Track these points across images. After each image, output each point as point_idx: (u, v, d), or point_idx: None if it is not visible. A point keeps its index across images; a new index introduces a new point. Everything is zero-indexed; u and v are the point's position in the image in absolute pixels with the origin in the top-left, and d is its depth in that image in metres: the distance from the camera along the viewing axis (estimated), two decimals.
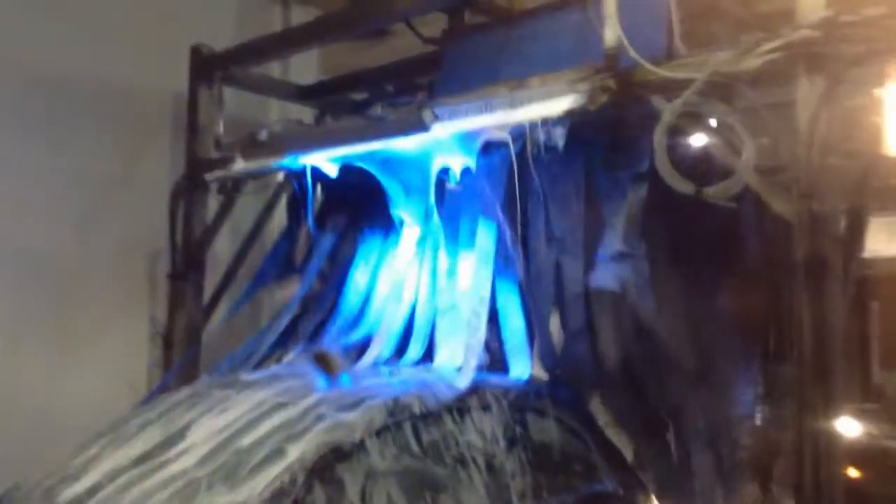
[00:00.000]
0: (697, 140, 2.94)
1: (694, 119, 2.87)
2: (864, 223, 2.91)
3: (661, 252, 3.31)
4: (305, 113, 5.46)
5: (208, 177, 4.71)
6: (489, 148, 3.48)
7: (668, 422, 3.42)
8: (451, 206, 3.74)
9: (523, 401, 3.23)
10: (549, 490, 3.07)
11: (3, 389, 4.33)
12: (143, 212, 4.97)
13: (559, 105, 3.14)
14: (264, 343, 4.15)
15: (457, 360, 3.48)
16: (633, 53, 2.92)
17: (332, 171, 4.02)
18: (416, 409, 2.85)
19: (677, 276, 3.37)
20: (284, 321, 4.23)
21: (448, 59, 4.08)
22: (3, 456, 3.94)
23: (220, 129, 4.80)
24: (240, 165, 4.51)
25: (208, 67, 4.84)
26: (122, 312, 4.99)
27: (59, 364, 4.61)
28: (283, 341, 4.16)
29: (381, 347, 3.73)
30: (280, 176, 4.68)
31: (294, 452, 2.52)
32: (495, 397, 3.13)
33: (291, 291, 4.42)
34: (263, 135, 4.37)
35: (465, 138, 3.51)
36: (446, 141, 3.53)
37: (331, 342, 3.88)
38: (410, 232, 3.91)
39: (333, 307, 4.16)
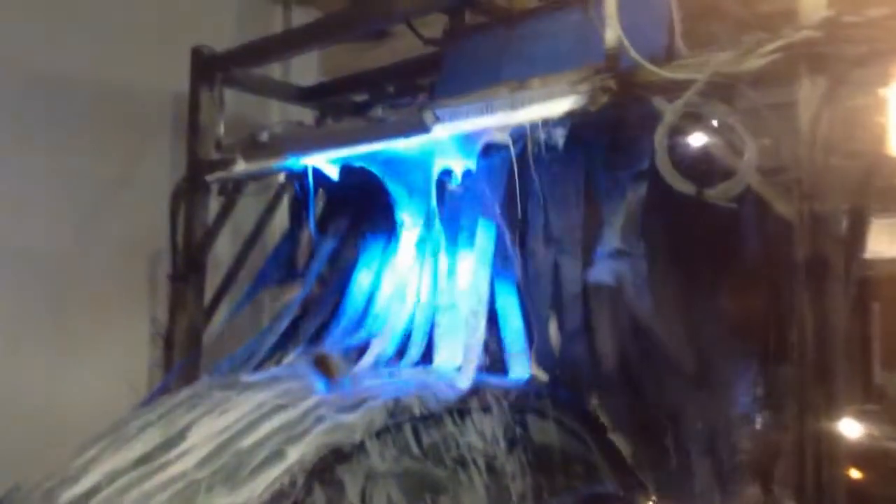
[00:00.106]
0: (698, 140, 2.93)
1: (695, 120, 2.87)
2: (866, 224, 2.90)
3: (660, 252, 3.31)
4: (306, 114, 5.45)
5: (209, 178, 4.70)
6: (489, 149, 3.47)
7: (667, 423, 3.41)
8: (452, 206, 3.73)
9: (524, 402, 3.22)
10: (549, 491, 3.07)
11: (4, 390, 4.33)
12: (144, 213, 4.96)
13: (560, 106, 3.13)
14: (265, 344, 4.14)
15: (456, 360, 3.47)
16: (633, 54, 2.91)
17: (333, 173, 4.01)
18: (417, 411, 2.84)
19: (676, 276, 3.37)
20: (285, 323, 4.22)
21: (448, 59, 4.07)
22: (4, 457, 3.92)
23: (221, 130, 4.79)
24: (240, 167, 4.50)
25: (209, 68, 4.83)
26: (122, 313, 4.99)
27: (60, 365, 4.60)
28: (284, 343, 4.15)
29: (380, 348, 3.73)
30: (281, 177, 4.67)
31: (294, 454, 2.52)
32: (496, 398, 3.12)
33: (293, 295, 4.42)
34: (264, 136, 4.36)
35: (466, 141, 3.50)
36: (447, 143, 3.52)
37: (332, 345, 3.87)
38: (411, 233, 3.90)
39: (335, 310, 4.15)
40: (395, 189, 3.91)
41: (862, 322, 3.72)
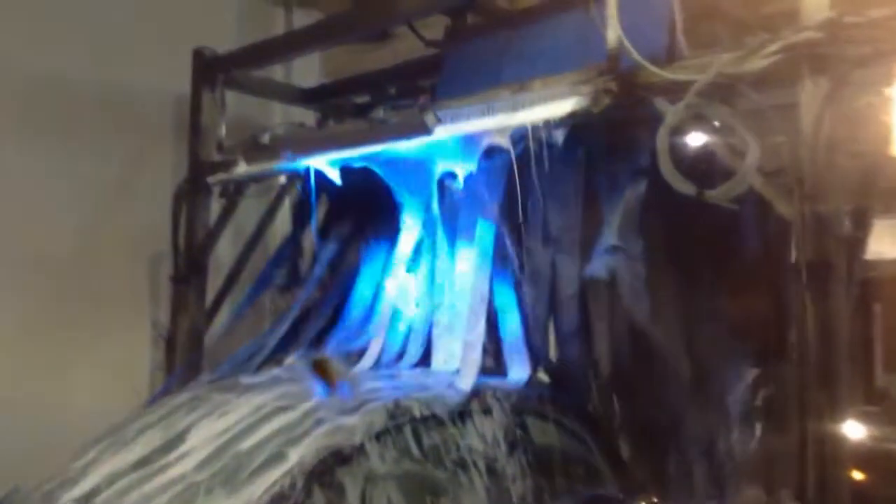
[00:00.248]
0: (700, 141, 2.92)
1: (697, 120, 2.86)
2: (868, 225, 2.89)
3: (659, 253, 3.30)
4: (307, 116, 5.44)
5: (210, 180, 4.70)
6: (490, 151, 3.46)
7: (664, 427, 3.40)
8: (452, 205, 3.73)
9: (524, 404, 3.21)
10: (550, 494, 3.05)
11: (5, 391, 4.32)
12: (145, 214, 4.97)
13: (561, 107, 3.13)
14: (265, 346, 4.14)
15: (455, 359, 3.47)
16: (635, 55, 2.91)
17: (335, 176, 4.01)
18: (417, 413, 2.83)
19: (675, 278, 3.36)
20: (286, 325, 4.22)
21: (449, 60, 4.06)
22: (5, 458, 3.91)
23: (223, 131, 4.79)
24: (242, 168, 4.50)
25: (211, 70, 4.83)
26: (124, 315, 4.98)
27: (61, 366, 4.59)
28: (285, 345, 4.15)
29: (379, 349, 3.72)
30: (282, 179, 4.67)
31: (294, 456, 2.50)
32: (496, 400, 3.11)
33: (294, 297, 4.42)
34: (266, 138, 4.36)
35: (467, 143, 3.50)
36: (448, 144, 3.52)
37: (334, 348, 3.87)
38: (410, 233, 3.90)
39: (337, 314, 4.15)
40: (396, 188, 3.90)
41: (863, 323, 3.72)
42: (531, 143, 3.18)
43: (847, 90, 2.62)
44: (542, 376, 3.46)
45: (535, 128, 3.17)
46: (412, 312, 3.81)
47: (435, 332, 3.66)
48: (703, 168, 2.90)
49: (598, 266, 3.28)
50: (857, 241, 2.82)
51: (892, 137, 2.79)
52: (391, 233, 4.04)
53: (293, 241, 4.73)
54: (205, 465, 2.63)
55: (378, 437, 2.67)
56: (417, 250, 3.89)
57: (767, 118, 2.78)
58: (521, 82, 3.33)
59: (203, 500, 2.47)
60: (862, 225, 2.86)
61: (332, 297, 4.25)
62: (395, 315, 3.87)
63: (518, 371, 3.42)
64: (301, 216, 4.65)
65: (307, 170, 4.10)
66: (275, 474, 2.45)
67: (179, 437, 2.87)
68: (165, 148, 5.13)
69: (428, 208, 3.84)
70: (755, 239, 3.47)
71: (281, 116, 5.57)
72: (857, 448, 2.75)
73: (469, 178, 3.61)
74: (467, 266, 3.60)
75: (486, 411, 3.05)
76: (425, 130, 3.50)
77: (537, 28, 3.67)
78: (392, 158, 3.80)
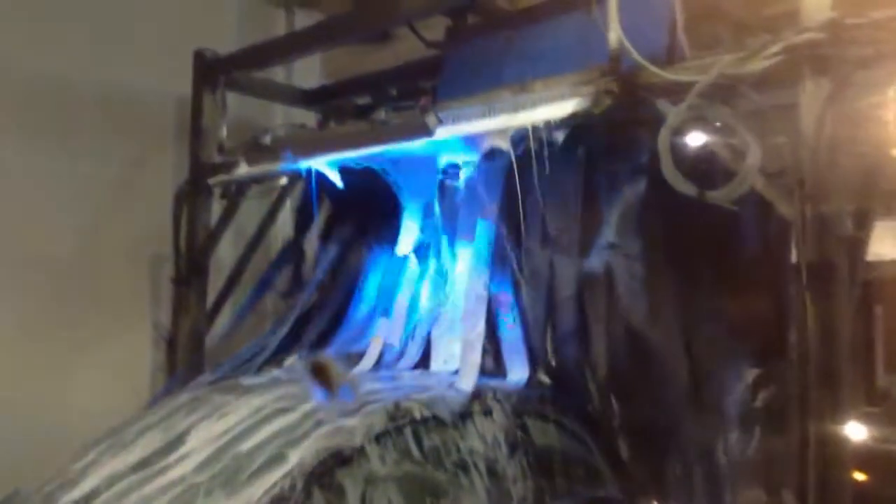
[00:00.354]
0: (701, 142, 2.92)
1: (698, 121, 2.85)
2: (870, 226, 2.88)
3: (657, 252, 3.29)
4: (308, 117, 5.44)
5: (211, 181, 4.70)
6: (491, 153, 3.46)
7: (662, 430, 3.39)
8: (452, 205, 3.72)
9: (525, 405, 3.20)
10: (550, 495, 3.05)
11: (6, 393, 4.32)
12: (146, 216, 4.95)
13: (562, 108, 3.13)
14: (267, 347, 4.14)
15: (455, 360, 3.46)
16: (636, 56, 2.90)
17: (337, 179, 4.00)
18: (417, 414, 2.83)
19: (673, 279, 3.35)
20: (287, 326, 4.21)
21: (450, 60, 4.06)
22: (7, 459, 3.92)
23: (224, 133, 4.78)
24: (243, 170, 4.49)
25: (211, 72, 4.83)
26: (125, 316, 4.98)
27: (62, 368, 4.59)
28: (287, 346, 4.14)
29: (379, 351, 3.72)
30: (283, 180, 4.67)
31: (293, 458, 2.50)
32: (497, 401, 3.11)
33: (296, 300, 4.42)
34: (267, 139, 4.36)
35: (467, 146, 3.50)
36: (449, 145, 3.52)
37: (336, 350, 3.86)
38: (411, 233, 3.89)
39: (340, 316, 4.14)
40: (397, 188, 3.90)
41: (865, 325, 3.71)
42: (531, 144, 3.18)
43: (849, 91, 2.61)
44: (543, 377, 3.44)
45: (535, 128, 3.16)
46: (409, 309, 3.80)
47: (434, 332, 3.66)
48: (703, 168, 2.90)
49: (595, 262, 3.27)
50: (858, 242, 2.81)
51: (893, 138, 2.78)
52: (393, 235, 4.04)
53: (295, 244, 4.72)
54: (204, 467, 2.63)
55: (378, 438, 2.67)
56: (417, 251, 3.88)
57: (769, 119, 2.78)
58: (521, 83, 3.32)
59: (203, 502, 2.47)
60: (863, 226, 2.85)
61: (334, 300, 4.25)
62: (392, 311, 3.87)
63: (518, 372, 3.41)
64: (303, 219, 4.65)
65: (308, 171, 4.09)
66: (274, 476, 2.45)
67: (179, 439, 2.87)
68: (166, 149, 5.12)
69: (428, 208, 3.84)
70: (755, 239, 3.45)
71: (282, 118, 5.57)
72: (859, 449, 2.74)
73: (469, 179, 3.61)
74: (468, 265, 3.59)
75: (487, 412, 3.05)
76: (426, 132, 3.50)
77: (538, 28, 3.66)
78: (393, 159, 3.80)
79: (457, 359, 3.46)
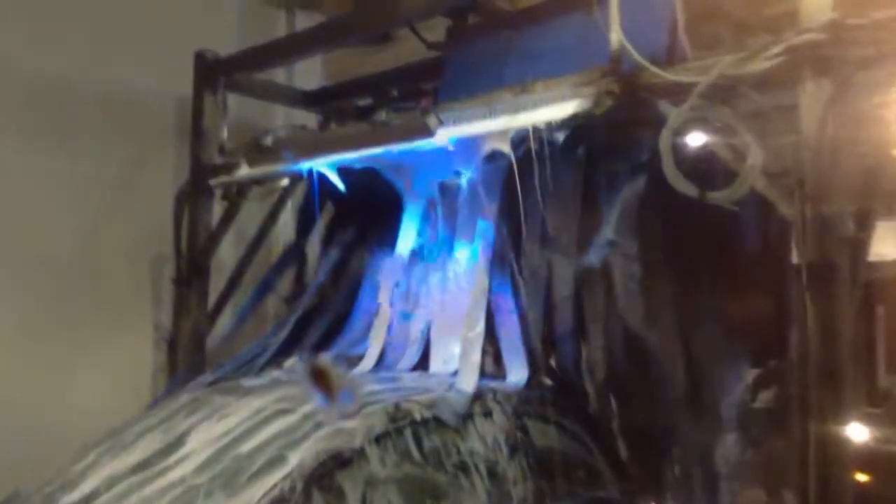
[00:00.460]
0: (703, 143, 2.91)
1: (699, 122, 2.85)
2: (871, 226, 2.88)
3: (656, 252, 3.28)
4: (309, 118, 5.44)
5: (212, 182, 4.70)
6: (491, 154, 3.46)
7: (662, 431, 3.38)
8: (452, 205, 3.72)
9: (525, 406, 3.19)
10: (551, 496, 3.04)
11: (7, 394, 4.31)
12: (147, 217, 4.96)
13: (563, 109, 3.13)
14: (268, 348, 4.13)
15: (454, 360, 3.46)
16: (637, 57, 2.90)
17: (339, 182, 4.00)
18: (417, 416, 2.82)
19: (672, 280, 3.33)
20: (289, 328, 4.21)
21: (451, 62, 4.06)
22: (8, 461, 3.92)
23: (225, 134, 4.78)
24: (244, 171, 4.50)
25: (212, 73, 4.83)
26: (126, 317, 4.98)
27: (63, 369, 4.59)
28: (288, 347, 4.14)
29: (379, 352, 3.71)
30: (285, 181, 4.66)
31: (293, 460, 2.50)
32: (497, 403, 3.10)
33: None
34: (268, 140, 4.36)
35: (467, 148, 3.49)
36: (449, 146, 3.51)
37: (338, 352, 3.86)
38: (411, 233, 3.89)
39: (341, 319, 4.14)
40: (398, 186, 3.89)
41: (866, 325, 3.70)
42: (532, 144, 3.17)
43: (850, 92, 2.61)
44: (543, 378, 3.44)
45: (536, 129, 3.16)
46: (412, 313, 3.80)
47: (433, 333, 3.65)
48: (704, 169, 2.89)
49: (594, 260, 3.27)
50: (860, 243, 2.81)
51: (895, 139, 2.78)
52: (395, 238, 4.03)
53: (297, 247, 4.72)
54: (204, 469, 2.62)
55: (378, 440, 2.66)
56: (417, 251, 3.88)
57: (771, 119, 2.77)
58: (522, 84, 3.32)
59: None
60: (865, 226, 2.84)
61: (336, 303, 4.25)
62: (392, 311, 3.86)
63: (517, 373, 3.39)
64: (305, 222, 4.64)
65: (310, 173, 4.09)
66: (274, 478, 2.44)
67: (179, 441, 2.87)
68: (167, 150, 5.12)
69: (429, 208, 3.83)
70: (755, 239, 3.44)
71: (282, 119, 5.57)
72: (860, 450, 2.73)
73: (469, 179, 3.61)
74: (467, 266, 3.59)
75: (487, 414, 3.04)
76: (428, 133, 3.50)
77: (539, 28, 3.66)
78: (394, 159, 3.80)
79: (456, 359, 3.45)
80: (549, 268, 3.43)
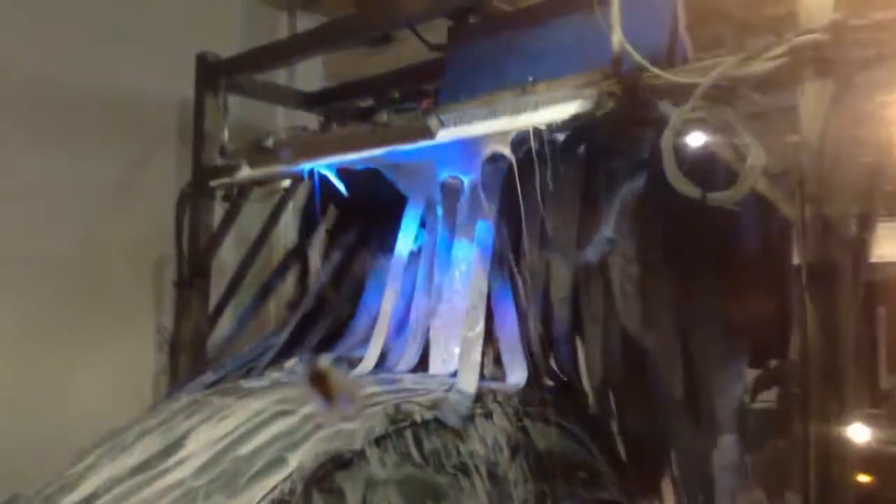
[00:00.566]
0: (704, 144, 2.91)
1: (701, 123, 2.84)
2: (873, 227, 2.87)
3: (654, 253, 3.26)
4: (310, 120, 5.44)
5: (214, 184, 4.70)
6: (493, 157, 3.45)
7: (660, 433, 3.36)
8: (453, 204, 3.71)
9: (525, 407, 3.19)
10: (552, 498, 3.04)
11: (9, 395, 4.31)
12: (149, 219, 4.96)
13: (565, 110, 3.12)
14: (269, 350, 4.13)
15: (453, 361, 3.45)
16: (639, 59, 2.90)
17: (341, 186, 3.99)
18: (418, 417, 2.81)
19: (670, 281, 3.32)
20: (290, 329, 4.20)
21: (452, 62, 4.05)
22: (9, 462, 3.93)
23: (226, 136, 4.78)
24: (245, 172, 4.50)
25: (213, 74, 4.84)
26: (128, 319, 4.98)
27: (65, 371, 4.59)
28: (289, 350, 4.13)
29: (378, 353, 3.71)
30: (286, 183, 4.66)
31: (293, 461, 2.49)
32: (498, 404, 3.10)
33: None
34: (269, 142, 4.36)
35: (468, 150, 3.49)
36: (450, 147, 3.51)
37: (341, 354, 3.85)
38: (411, 232, 3.89)
39: (345, 321, 4.15)
40: (399, 185, 3.89)
41: (867, 326, 3.70)
42: (532, 144, 3.17)
43: (852, 92, 2.60)
44: (543, 379, 3.43)
45: (536, 130, 3.16)
46: (411, 314, 3.79)
47: (433, 333, 3.65)
48: (705, 169, 2.88)
49: (591, 254, 3.26)
50: (861, 244, 2.80)
51: None
52: (397, 239, 4.03)
53: (299, 251, 4.71)
54: (204, 471, 2.61)
55: (378, 441, 2.65)
56: (417, 251, 3.87)
57: (773, 120, 2.77)
58: (523, 85, 3.31)
59: None
60: (866, 227, 2.84)
61: (339, 304, 4.24)
62: (392, 311, 3.86)
63: (517, 374, 3.39)
64: (307, 225, 4.63)
65: (311, 174, 4.08)
66: (274, 479, 2.43)
67: (178, 442, 2.86)
68: (168, 151, 5.12)
69: (429, 207, 3.83)
70: (756, 240, 3.43)
71: (284, 120, 5.57)
72: (862, 451, 2.72)
73: (470, 179, 3.60)
74: (467, 265, 3.58)
75: (488, 415, 3.03)
76: (429, 134, 3.49)
77: (540, 28, 3.66)
78: (396, 160, 3.79)
79: (455, 359, 3.44)
80: (547, 268, 3.42)
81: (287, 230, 5.09)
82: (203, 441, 2.80)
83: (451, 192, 3.72)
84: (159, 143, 5.11)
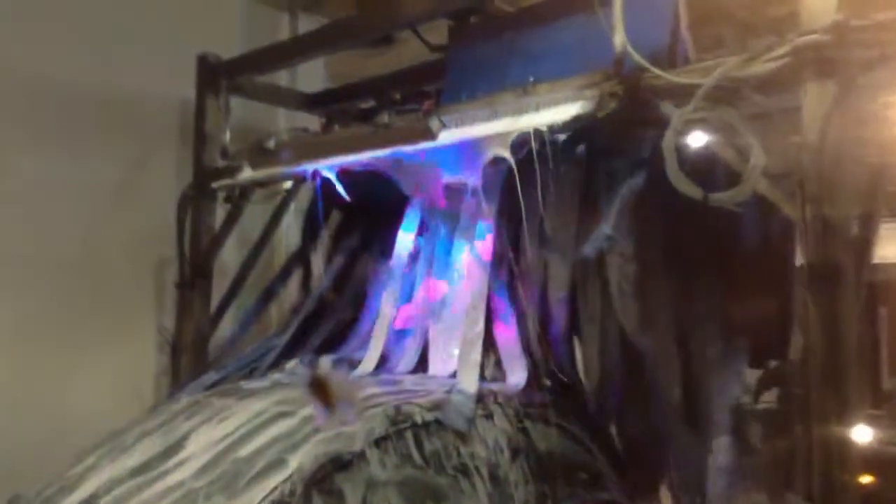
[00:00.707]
0: (705, 144, 2.90)
1: (703, 124, 2.84)
2: (876, 228, 2.87)
3: (653, 253, 3.25)
4: (312, 121, 5.44)
5: (215, 185, 4.70)
6: (494, 159, 3.45)
7: (659, 435, 3.35)
8: (453, 204, 3.71)
9: (526, 408, 3.18)
10: (553, 499, 3.03)
11: (10, 396, 4.32)
12: (150, 220, 4.97)
13: (566, 111, 3.12)
14: (270, 352, 4.13)
15: (453, 361, 3.44)
16: (640, 60, 2.89)
17: (342, 190, 3.99)
18: (418, 418, 2.80)
19: (669, 283, 3.31)
20: (292, 330, 4.20)
21: (454, 63, 4.05)
22: (10, 464, 3.93)
23: (227, 137, 4.79)
24: (247, 174, 4.51)
25: (215, 76, 4.84)
26: (129, 320, 4.98)
27: (66, 372, 4.59)
28: (291, 351, 4.13)
29: (378, 354, 3.70)
30: (288, 184, 4.66)
31: (293, 463, 2.48)
32: (498, 405, 3.09)
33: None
34: (271, 143, 4.36)
35: (469, 152, 3.48)
36: (450, 148, 3.50)
37: (340, 356, 3.85)
38: (412, 232, 3.88)
39: (349, 325, 4.14)
40: (399, 184, 3.89)
41: (869, 327, 3.70)
42: (533, 144, 3.16)
43: (854, 93, 2.60)
44: (543, 380, 3.42)
45: (538, 132, 3.15)
46: (410, 314, 3.79)
47: (432, 333, 3.64)
48: (706, 170, 2.88)
49: (589, 250, 3.25)
50: (864, 245, 2.80)
51: None
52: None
53: (302, 255, 4.71)
54: (204, 472, 2.60)
55: (378, 442, 2.64)
56: (418, 251, 3.87)
57: (776, 121, 2.76)
58: (525, 86, 3.31)
59: None
60: (869, 228, 2.83)
61: (341, 307, 4.24)
62: (392, 312, 3.85)
63: (517, 374, 3.38)
64: (310, 230, 4.63)
65: (314, 175, 4.08)
66: (274, 481, 2.43)
67: (178, 444, 2.85)
68: (169, 152, 5.12)
69: (430, 207, 3.82)
70: (757, 241, 3.43)
71: (285, 121, 5.57)
72: (864, 452, 2.72)
73: (471, 180, 3.59)
74: (466, 266, 3.58)
75: (489, 416, 3.02)
76: (430, 135, 3.50)
77: (541, 28, 3.66)
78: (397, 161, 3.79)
79: (455, 360, 3.43)
80: (545, 268, 3.42)
81: (289, 231, 5.08)
82: (203, 442, 2.80)
83: (453, 194, 3.71)
84: (160, 144, 5.12)
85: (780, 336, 3.31)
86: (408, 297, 3.84)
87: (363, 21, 4.36)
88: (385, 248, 4.12)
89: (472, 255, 3.56)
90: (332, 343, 4.09)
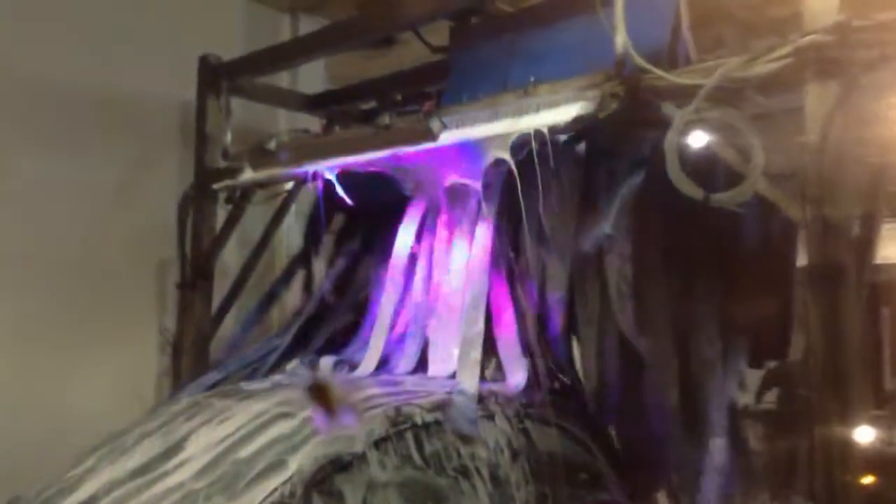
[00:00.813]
0: (707, 145, 2.89)
1: (704, 124, 2.83)
2: (878, 228, 2.86)
3: (652, 252, 3.25)
4: (313, 122, 5.44)
5: (216, 186, 4.70)
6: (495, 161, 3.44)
7: (659, 436, 3.34)
8: (454, 204, 3.70)
9: (527, 409, 3.17)
10: (553, 500, 3.02)
11: (11, 397, 4.32)
12: (151, 221, 4.97)
13: (567, 112, 3.12)
14: (271, 353, 4.12)
15: (453, 360, 3.43)
16: (641, 61, 2.89)
17: (343, 193, 3.98)
18: (418, 419, 2.79)
19: (668, 284, 3.30)
20: (292, 334, 4.20)
21: (455, 64, 4.05)
22: (10, 464, 3.93)
23: (228, 138, 4.78)
24: (248, 175, 4.50)
25: (216, 77, 4.83)
26: (130, 321, 4.99)
27: (67, 372, 4.59)
28: (292, 352, 4.13)
29: (378, 355, 3.70)
30: (289, 185, 4.66)
31: (293, 464, 2.47)
32: (499, 405, 3.08)
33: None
34: (271, 144, 4.35)
35: (469, 154, 3.48)
36: (451, 149, 3.50)
37: (341, 357, 3.84)
38: (411, 232, 3.88)
39: (352, 327, 4.13)
40: (400, 184, 3.88)
41: (871, 327, 3.70)
42: (533, 144, 3.16)
43: (856, 94, 2.59)
44: (543, 380, 3.41)
45: (539, 133, 3.15)
46: (407, 309, 3.79)
47: (431, 334, 3.63)
48: (706, 170, 2.87)
49: (588, 246, 3.24)
50: (866, 245, 2.79)
51: None
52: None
53: (304, 257, 4.71)
54: (204, 473, 2.59)
55: (378, 444, 2.64)
56: (417, 251, 3.86)
57: (777, 121, 2.76)
58: (526, 87, 3.31)
59: None
60: (871, 228, 2.83)
61: (343, 308, 4.23)
62: (391, 312, 3.84)
63: (517, 375, 3.37)
64: (313, 232, 4.63)
65: (315, 177, 4.08)
66: (274, 482, 2.42)
67: (178, 445, 2.84)
68: (170, 154, 5.13)
69: (431, 208, 3.82)
70: (757, 241, 3.42)
71: (286, 123, 5.57)
72: (866, 452, 2.71)
73: (472, 181, 3.59)
74: (466, 265, 3.57)
75: (489, 417, 3.01)
76: (431, 137, 3.49)
77: (542, 29, 3.65)
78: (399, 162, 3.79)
79: (454, 360, 3.42)
80: (543, 268, 3.41)
81: (290, 232, 5.08)
82: (203, 443, 2.79)
83: (454, 195, 3.71)
84: (161, 145, 5.13)
85: (780, 336, 3.31)
86: (407, 297, 3.84)
87: (364, 22, 4.35)
88: (387, 251, 4.11)
89: (472, 255, 3.55)
90: (334, 345, 4.08)
